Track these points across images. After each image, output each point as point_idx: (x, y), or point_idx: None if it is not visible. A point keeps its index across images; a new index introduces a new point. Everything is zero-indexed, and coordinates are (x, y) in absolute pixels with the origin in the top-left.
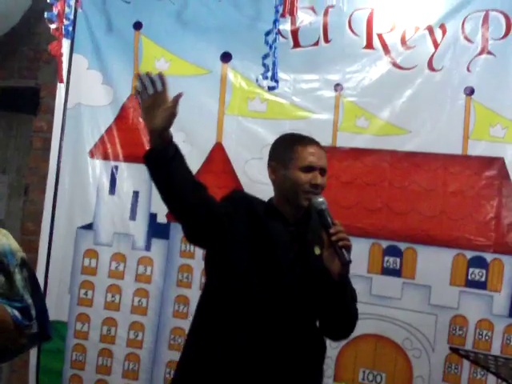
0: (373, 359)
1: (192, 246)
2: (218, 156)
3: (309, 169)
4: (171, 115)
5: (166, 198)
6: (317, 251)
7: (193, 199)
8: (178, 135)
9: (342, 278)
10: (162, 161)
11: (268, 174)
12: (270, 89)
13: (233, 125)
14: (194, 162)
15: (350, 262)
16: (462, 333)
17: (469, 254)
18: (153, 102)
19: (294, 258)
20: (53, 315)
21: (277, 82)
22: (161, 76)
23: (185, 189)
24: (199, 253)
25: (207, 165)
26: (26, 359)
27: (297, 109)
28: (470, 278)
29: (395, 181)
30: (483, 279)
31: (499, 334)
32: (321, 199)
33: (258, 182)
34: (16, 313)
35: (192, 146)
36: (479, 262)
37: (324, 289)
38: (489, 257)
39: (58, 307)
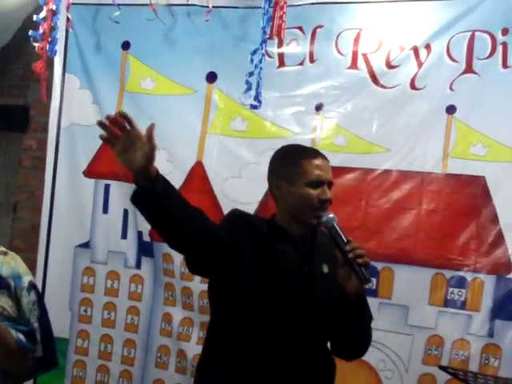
0: (343, 380)
1: (172, 265)
2: (197, 174)
3: (317, 183)
4: (150, 150)
5: (165, 235)
6: (325, 269)
7: (194, 230)
8: (162, 153)
9: (359, 298)
10: (152, 200)
11: (270, 190)
12: (253, 107)
13: (214, 144)
14: (175, 180)
15: (369, 280)
16: (437, 353)
17: (448, 274)
18: (125, 144)
19: (303, 279)
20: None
21: (260, 102)
22: (122, 114)
23: (183, 221)
24: (178, 272)
25: (187, 183)
26: None
27: (277, 128)
28: (449, 297)
29: (372, 199)
30: (462, 299)
31: (477, 353)
32: (331, 215)
33: (237, 202)
34: (21, 336)
35: (174, 165)
36: (459, 282)
37: (339, 308)
38: (469, 276)
39: (58, 324)
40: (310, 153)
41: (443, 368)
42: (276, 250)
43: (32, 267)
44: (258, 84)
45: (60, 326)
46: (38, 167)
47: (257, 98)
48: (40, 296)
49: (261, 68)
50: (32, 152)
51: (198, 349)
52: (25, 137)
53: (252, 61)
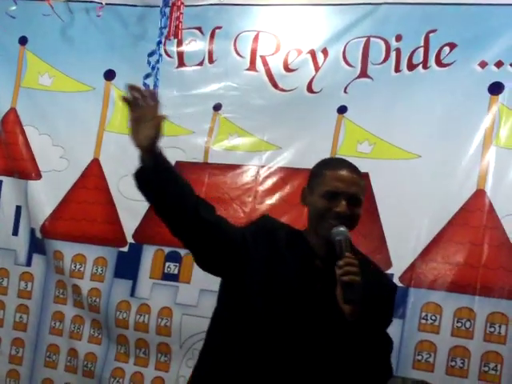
0: None
1: (62, 262)
2: (93, 172)
3: (333, 195)
4: (161, 123)
5: (169, 217)
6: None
7: (200, 215)
8: (56, 150)
9: (355, 319)
10: (156, 174)
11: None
12: None
13: (111, 141)
14: (69, 177)
15: (352, 301)
16: None
17: None
18: (141, 115)
19: (311, 299)
20: None
21: None
22: (153, 91)
23: (188, 202)
24: (68, 269)
25: (82, 180)
26: None
27: (175, 127)
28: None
29: (260, 196)
30: None
31: None
32: (341, 229)
33: (131, 199)
34: None
35: (69, 162)
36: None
37: (340, 332)
38: None
39: None
40: (337, 164)
41: None
42: (285, 260)
43: None
44: (155, 85)
45: None
46: None
47: None
48: None
49: (157, 69)
50: None
51: (90, 347)
52: None
53: (149, 63)
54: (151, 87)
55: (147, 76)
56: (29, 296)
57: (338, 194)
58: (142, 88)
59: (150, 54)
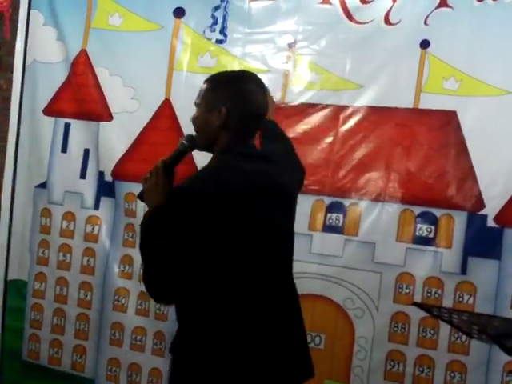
0: (311, 320)
1: (134, 204)
2: (165, 112)
3: None
4: None
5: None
6: None
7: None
8: (127, 91)
9: None
10: None
11: None
12: (218, 42)
13: (181, 81)
14: (141, 118)
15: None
16: (408, 291)
17: (417, 210)
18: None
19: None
20: (15, 274)
21: (225, 35)
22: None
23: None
24: (141, 212)
25: (154, 121)
26: None
27: (247, 65)
28: (417, 234)
29: (343, 137)
30: (432, 235)
31: (450, 291)
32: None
33: None
34: None
35: (140, 103)
36: (428, 218)
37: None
38: (438, 213)
39: (19, 266)
40: None
41: (417, 304)
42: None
43: None
44: (224, 18)
45: (21, 268)
46: (8, 108)
47: (222, 31)
48: None
49: (227, 1)
50: (2, 92)
51: None
52: None
53: None
54: (220, 20)
55: (216, 8)
56: (95, 239)
57: None
58: None
59: None
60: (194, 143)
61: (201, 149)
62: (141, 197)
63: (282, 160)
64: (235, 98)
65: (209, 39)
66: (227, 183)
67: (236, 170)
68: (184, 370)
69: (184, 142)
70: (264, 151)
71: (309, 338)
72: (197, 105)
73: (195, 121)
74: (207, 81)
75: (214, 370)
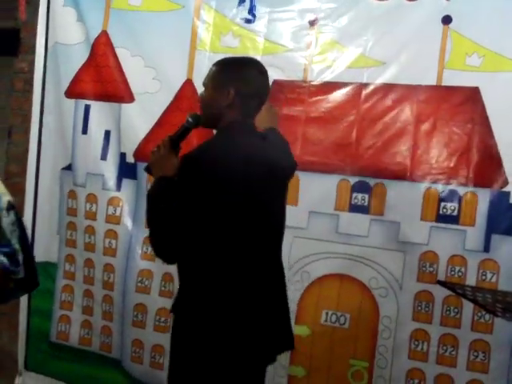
0: (336, 300)
1: None
2: (187, 93)
3: None
4: None
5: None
6: None
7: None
8: (148, 71)
9: None
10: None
11: None
12: (247, 22)
13: (204, 61)
14: (163, 99)
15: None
16: (432, 269)
17: (441, 188)
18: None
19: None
20: (42, 256)
21: (254, 16)
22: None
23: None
24: None
25: (176, 102)
26: (17, 301)
27: (270, 43)
28: (441, 212)
29: (366, 114)
30: (455, 213)
31: (473, 269)
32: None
33: None
34: (3, 258)
35: (162, 83)
36: (452, 196)
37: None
38: (462, 190)
39: (47, 248)
40: None
41: (441, 283)
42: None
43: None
44: None
45: (50, 250)
46: (30, 90)
47: (251, 11)
48: (19, 216)
49: None
50: (24, 75)
51: None
52: (17, 60)
53: None
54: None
55: None
56: (117, 221)
57: None
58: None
59: None
60: (198, 120)
61: (205, 126)
62: (148, 169)
63: (278, 145)
64: (242, 80)
65: (235, 20)
66: (228, 152)
67: (236, 142)
68: (184, 327)
69: (189, 119)
70: (263, 133)
71: (334, 318)
72: (205, 85)
73: (203, 100)
74: (216, 63)
75: (210, 327)
